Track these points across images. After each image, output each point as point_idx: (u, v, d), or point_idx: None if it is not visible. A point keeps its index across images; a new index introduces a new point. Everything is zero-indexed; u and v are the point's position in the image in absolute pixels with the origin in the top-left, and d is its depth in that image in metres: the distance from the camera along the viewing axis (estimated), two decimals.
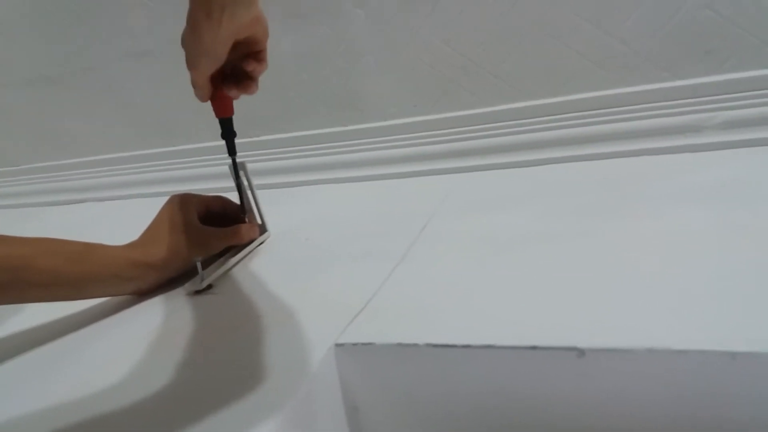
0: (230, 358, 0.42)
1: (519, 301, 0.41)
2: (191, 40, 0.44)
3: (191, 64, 0.47)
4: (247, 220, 0.64)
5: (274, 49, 0.81)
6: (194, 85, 0.50)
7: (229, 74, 0.53)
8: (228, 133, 0.57)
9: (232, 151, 0.58)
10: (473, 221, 0.59)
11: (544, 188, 0.64)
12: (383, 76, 0.79)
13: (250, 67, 0.51)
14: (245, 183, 0.63)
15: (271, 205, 0.67)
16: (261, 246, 0.64)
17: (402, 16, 0.75)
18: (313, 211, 0.74)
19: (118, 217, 0.91)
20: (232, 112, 0.55)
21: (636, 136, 0.68)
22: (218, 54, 0.46)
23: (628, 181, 0.61)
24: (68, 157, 1.08)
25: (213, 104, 0.54)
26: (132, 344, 0.47)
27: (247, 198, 0.64)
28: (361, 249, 0.57)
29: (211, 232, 0.59)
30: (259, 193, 0.64)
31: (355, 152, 0.83)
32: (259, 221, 0.65)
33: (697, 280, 0.39)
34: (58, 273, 0.50)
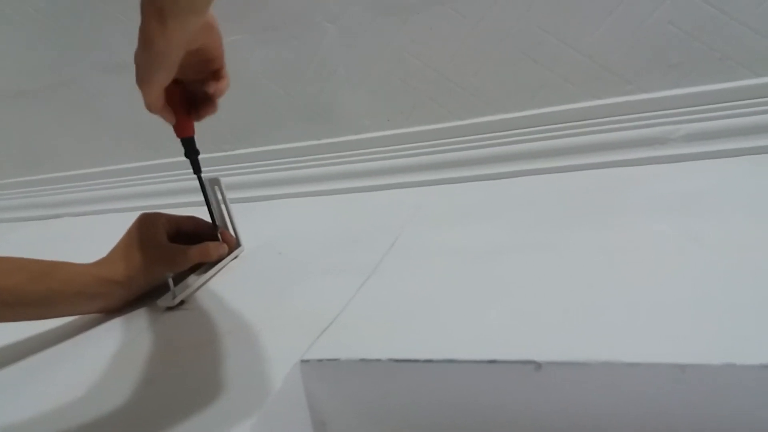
0: (197, 375, 0.42)
1: (481, 316, 0.41)
2: (143, 52, 0.43)
3: (143, 78, 0.45)
4: (220, 236, 0.64)
5: (247, 63, 0.82)
6: (149, 105, 0.49)
7: (192, 99, 0.53)
8: (191, 153, 0.57)
9: (197, 169, 0.59)
10: (444, 234, 0.59)
11: (513, 201, 0.66)
12: (355, 89, 0.80)
13: (211, 88, 0.51)
14: (219, 198, 0.63)
15: (245, 219, 0.68)
16: (235, 260, 0.64)
17: (373, 30, 0.76)
18: (287, 224, 0.74)
19: (95, 233, 0.91)
20: (192, 131, 0.56)
21: (603, 149, 0.69)
22: (171, 63, 0.44)
23: (594, 193, 0.62)
24: (44, 171, 1.08)
25: (173, 125, 0.54)
26: (101, 361, 0.47)
27: (220, 213, 0.64)
28: (333, 263, 0.58)
29: (178, 249, 0.59)
30: (233, 206, 0.65)
31: (328, 165, 0.84)
32: (233, 236, 0.66)
33: (652, 293, 0.40)
34: (21, 292, 0.49)
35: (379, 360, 0.38)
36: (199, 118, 0.55)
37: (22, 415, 0.42)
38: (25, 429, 0.40)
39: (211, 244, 0.62)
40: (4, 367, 0.50)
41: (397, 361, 0.38)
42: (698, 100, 0.66)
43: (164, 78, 0.46)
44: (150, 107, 0.49)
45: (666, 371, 0.32)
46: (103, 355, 0.48)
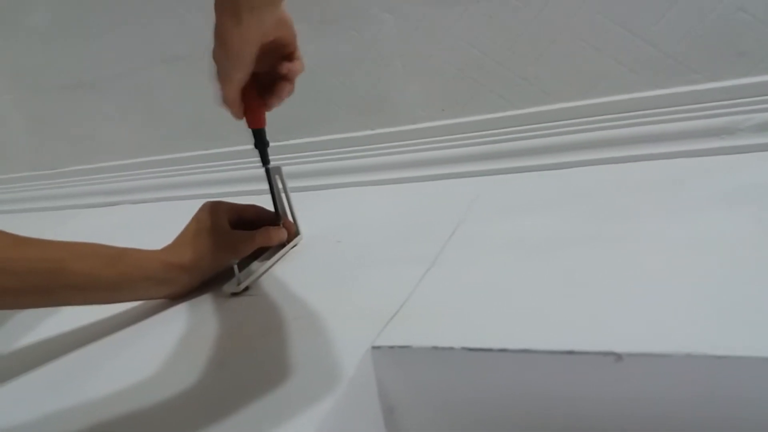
0: (268, 360, 0.43)
1: (554, 305, 0.41)
2: (220, 50, 0.44)
3: (223, 77, 0.47)
4: (282, 225, 0.64)
5: (304, 53, 0.82)
6: (226, 101, 0.50)
7: (265, 84, 0.53)
8: (261, 144, 0.58)
9: (265, 160, 0.60)
10: (503, 224, 0.59)
11: (575, 191, 0.64)
12: (412, 79, 0.80)
13: (284, 69, 0.52)
14: (280, 186, 0.64)
15: (302, 208, 0.68)
16: (294, 249, 0.65)
17: (430, 20, 0.75)
18: (344, 213, 0.75)
19: (153, 220, 0.93)
20: (264, 123, 0.57)
21: (669, 139, 0.67)
22: (248, 60, 0.45)
23: (661, 183, 0.61)
24: (104, 160, 1.11)
25: (245, 115, 0.55)
26: (170, 345, 0.48)
27: (282, 202, 0.65)
28: (393, 251, 0.58)
29: (240, 235, 0.60)
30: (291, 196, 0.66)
31: (384, 155, 0.84)
32: (293, 224, 0.67)
33: (734, 284, 0.39)
34: (94, 276, 0.51)
35: (452, 348, 0.38)
36: (278, 100, 0.55)
37: (97, 395, 0.43)
38: (102, 408, 0.42)
39: (272, 229, 0.62)
40: (74, 350, 0.52)
41: (470, 349, 0.38)
42: None
43: (243, 75, 0.48)
44: (227, 103, 0.51)
45: (756, 365, 0.31)
46: (172, 339, 0.50)
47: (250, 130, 0.57)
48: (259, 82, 0.54)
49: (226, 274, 0.58)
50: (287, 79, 0.53)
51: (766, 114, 0.64)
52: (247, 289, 0.56)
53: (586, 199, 0.61)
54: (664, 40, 0.66)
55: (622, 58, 0.69)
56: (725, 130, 0.65)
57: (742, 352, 0.31)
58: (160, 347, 0.49)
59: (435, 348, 0.39)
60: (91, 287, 0.52)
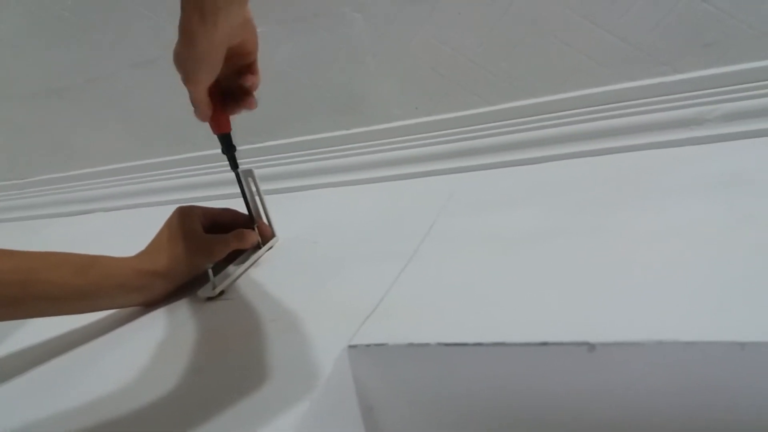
0: (245, 363, 0.43)
1: (528, 298, 0.41)
2: (186, 51, 0.43)
3: (189, 78, 0.46)
4: (256, 228, 0.64)
5: (275, 54, 0.82)
6: (194, 102, 0.49)
7: (227, 94, 0.53)
8: (228, 149, 0.57)
9: (234, 165, 0.59)
10: (479, 220, 0.59)
11: (548, 185, 0.65)
12: (384, 78, 0.80)
13: (248, 81, 0.51)
14: (253, 189, 0.64)
15: (277, 210, 0.68)
16: (270, 251, 0.65)
17: (401, 18, 0.75)
18: (319, 214, 0.75)
19: (126, 227, 0.92)
20: (229, 128, 0.56)
21: (638, 131, 0.68)
22: (215, 60, 0.45)
23: (631, 175, 0.62)
24: (75, 168, 1.09)
25: (210, 121, 0.54)
26: (146, 352, 0.48)
27: (255, 205, 0.65)
28: (369, 251, 0.58)
29: (213, 238, 0.59)
30: (265, 198, 0.65)
31: (358, 155, 0.83)
32: (268, 227, 0.66)
33: (704, 272, 0.39)
34: (66, 286, 0.50)
35: (427, 344, 0.38)
36: (238, 112, 0.55)
37: (74, 404, 0.43)
38: (79, 417, 0.41)
39: (245, 231, 0.62)
40: (51, 360, 0.51)
41: (445, 345, 0.38)
42: (735, 79, 0.65)
43: (210, 76, 0.47)
44: (196, 103, 0.50)
45: (724, 349, 0.31)
46: (148, 346, 0.49)
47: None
48: (219, 89, 0.53)
49: (201, 279, 0.58)
50: (250, 91, 0.53)
51: (733, 104, 0.65)
52: (222, 293, 0.56)
53: (558, 193, 0.61)
54: (632, 33, 0.67)
55: (592, 52, 0.69)
56: (694, 120, 0.66)
57: (710, 337, 0.32)
58: (136, 355, 0.48)
59: (411, 345, 0.39)
60: (63, 297, 0.51)
